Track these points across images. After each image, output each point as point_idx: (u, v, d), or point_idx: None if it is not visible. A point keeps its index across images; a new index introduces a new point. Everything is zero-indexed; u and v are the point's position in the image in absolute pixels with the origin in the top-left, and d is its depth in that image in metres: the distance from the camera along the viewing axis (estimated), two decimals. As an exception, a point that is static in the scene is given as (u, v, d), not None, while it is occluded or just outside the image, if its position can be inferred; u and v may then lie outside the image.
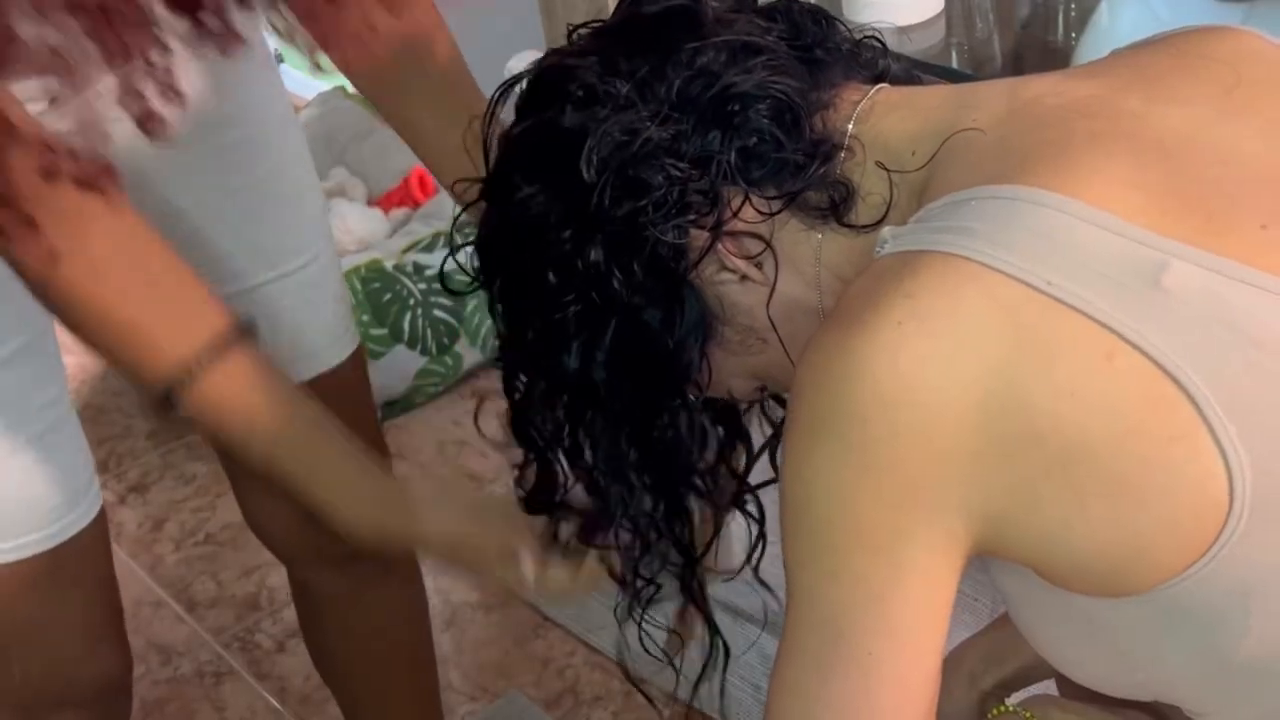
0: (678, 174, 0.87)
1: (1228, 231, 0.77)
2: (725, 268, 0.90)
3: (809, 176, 0.88)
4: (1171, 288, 0.75)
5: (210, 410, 1.06)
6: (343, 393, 1.48)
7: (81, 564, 1.30)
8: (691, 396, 0.94)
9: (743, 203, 0.89)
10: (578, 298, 0.90)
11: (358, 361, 1.49)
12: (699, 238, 0.89)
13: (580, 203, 0.88)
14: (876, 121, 0.89)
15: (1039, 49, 1.86)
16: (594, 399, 0.93)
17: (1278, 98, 0.85)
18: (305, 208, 1.42)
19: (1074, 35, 1.80)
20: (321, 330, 1.45)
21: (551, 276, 0.90)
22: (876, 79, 0.93)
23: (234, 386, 1.07)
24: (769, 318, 0.91)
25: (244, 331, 1.08)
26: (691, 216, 0.88)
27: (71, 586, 1.30)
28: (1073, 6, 1.82)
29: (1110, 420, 0.74)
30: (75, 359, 2.81)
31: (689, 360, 0.92)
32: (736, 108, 0.88)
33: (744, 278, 0.90)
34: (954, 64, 1.82)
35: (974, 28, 1.88)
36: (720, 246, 0.89)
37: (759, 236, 0.89)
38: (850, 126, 0.88)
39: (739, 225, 0.89)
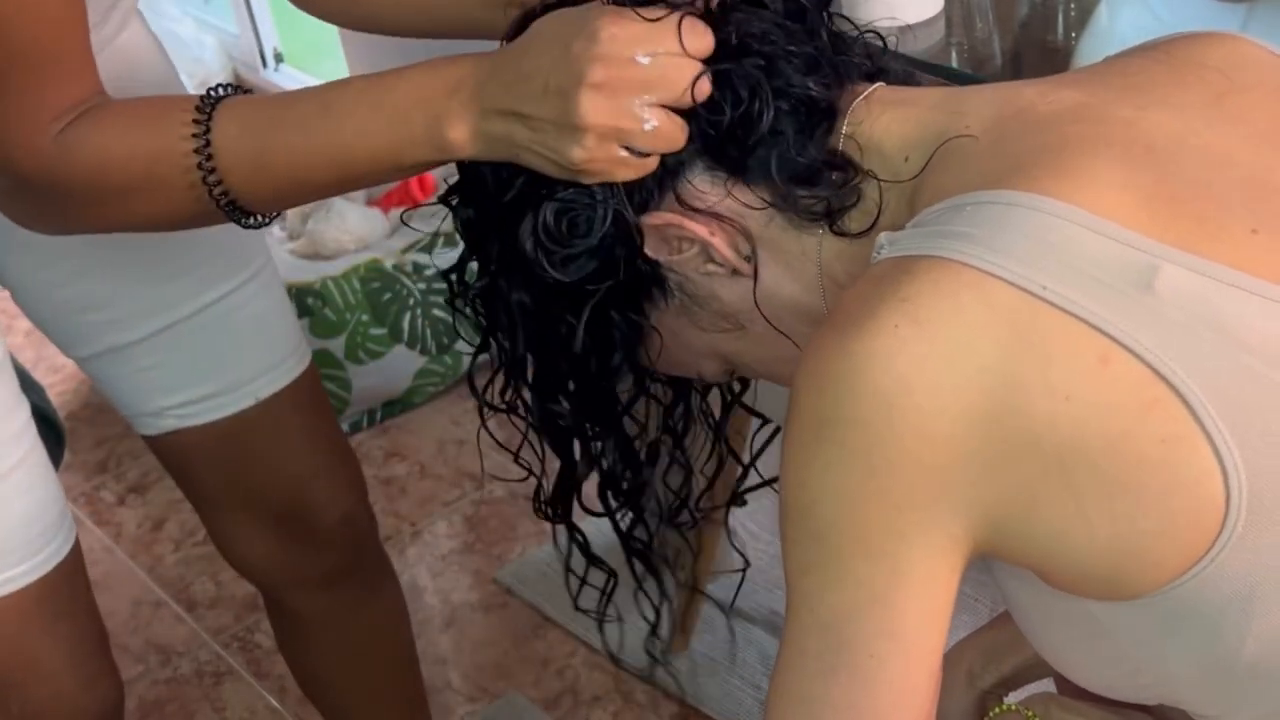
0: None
1: (1218, 236, 0.77)
2: (713, 259, 0.91)
3: (842, 195, 0.88)
4: (1163, 291, 0.75)
5: (246, 162, 0.99)
6: (309, 405, 1.48)
7: (68, 593, 1.29)
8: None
9: (748, 201, 0.90)
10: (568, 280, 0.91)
11: (314, 373, 1.48)
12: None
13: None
14: (871, 122, 0.89)
15: (1039, 49, 1.86)
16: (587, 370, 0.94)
17: (1269, 104, 0.86)
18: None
19: (1073, 35, 1.80)
20: (278, 342, 1.44)
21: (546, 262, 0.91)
22: (872, 76, 0.93)
23: (244, 123, 0.99)
24: (755, 306, 0.92)
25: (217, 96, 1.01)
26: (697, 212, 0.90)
27: (61, 616, 1.29)
28: (1072, 6, 1.82)
29: (1105, 422, 0.74)
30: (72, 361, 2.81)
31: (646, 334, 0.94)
32: (759, 105, 0.88)
33: (734, 271, 0.91)
34: (954, 64, 1.82)
35: (974, 28, 1.88)
36: (712, 240, 0.90)
37: (748, 236, 0.90)
38: (845, 125, 0.89)
39: (732, 219, 0.90)
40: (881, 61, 0.94)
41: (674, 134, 0.88)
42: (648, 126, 0.87)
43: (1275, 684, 0.80)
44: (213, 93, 0.99)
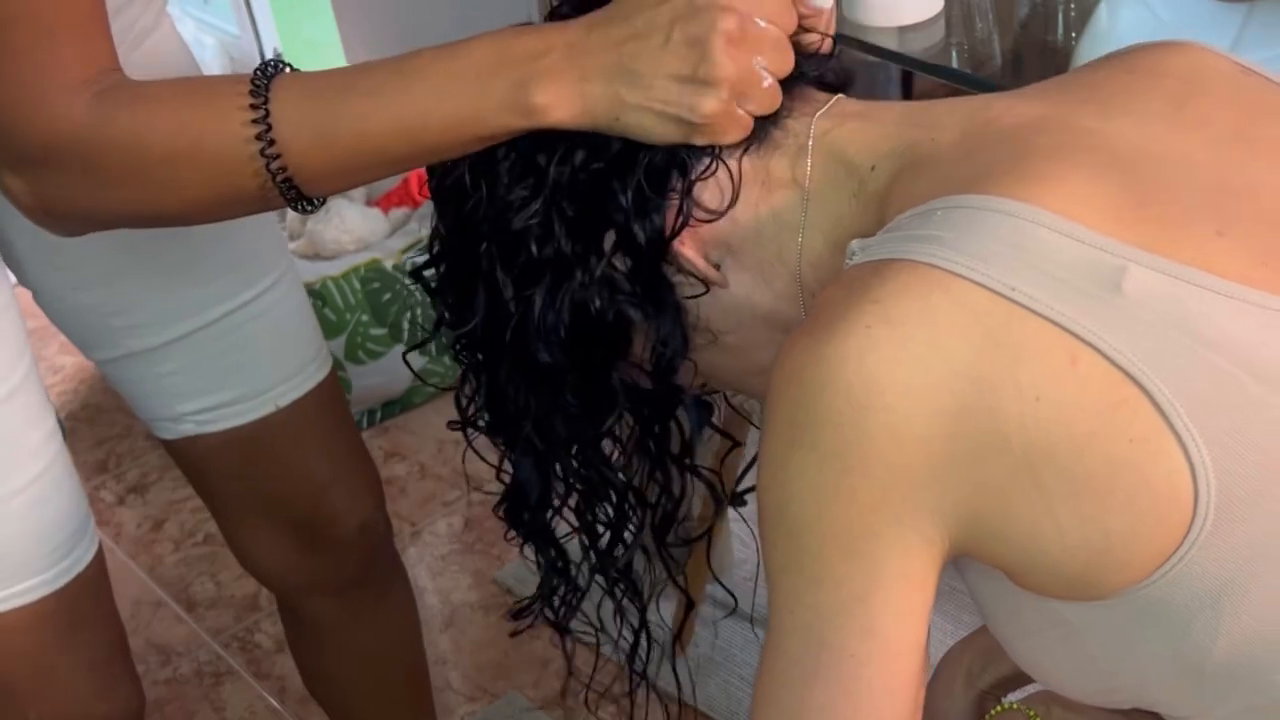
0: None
1: (1184, 238, 0.78)
2: (682, 269, 0.92)
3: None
4: (1131, 292, 0.76)
5: (308, 133, 0.93)
6: (330, 411, 1.47)
7: (88, 602, 1.28)
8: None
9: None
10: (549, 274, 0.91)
11: (335, 379, 1.48)
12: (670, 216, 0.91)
13: (552, 188, 0.90)
14: (836, 131, 0.90)
15: (1038, 49, 1.87)
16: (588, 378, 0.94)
17: (1228, 109, 0.87)
18: (263, 226, 1.40)
19: (1073, 35, 1.80)
20: (299, 349, 1.43)
21: (533, 248, 0.91)
22: (832, 88, 0.94)
23: (306, 91, 0.95)
24: (724, 315, 0.92)
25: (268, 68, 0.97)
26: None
27: (80, 626, 1.27)
28: (1072, 6, 1.82)
29: (1073, 423, 0.75)
30: (75, 359, 2.82)
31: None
32: None
33: (707, 282, 0.92)
34: (954, 64, 1.82)
35: (974, 28, 1.88)
36: (681, 249, 0.91)
37: (721, 244, 0.91)
38: (811, 133, 0.90)
39: (704, 230, 0.91)
40: (841, 75, 0.95)
41: (776, 99, 0.89)
42: (765, 84, 0.88)
43: (1246, 681, 0.80)
44: (267, 68, 0.95)
